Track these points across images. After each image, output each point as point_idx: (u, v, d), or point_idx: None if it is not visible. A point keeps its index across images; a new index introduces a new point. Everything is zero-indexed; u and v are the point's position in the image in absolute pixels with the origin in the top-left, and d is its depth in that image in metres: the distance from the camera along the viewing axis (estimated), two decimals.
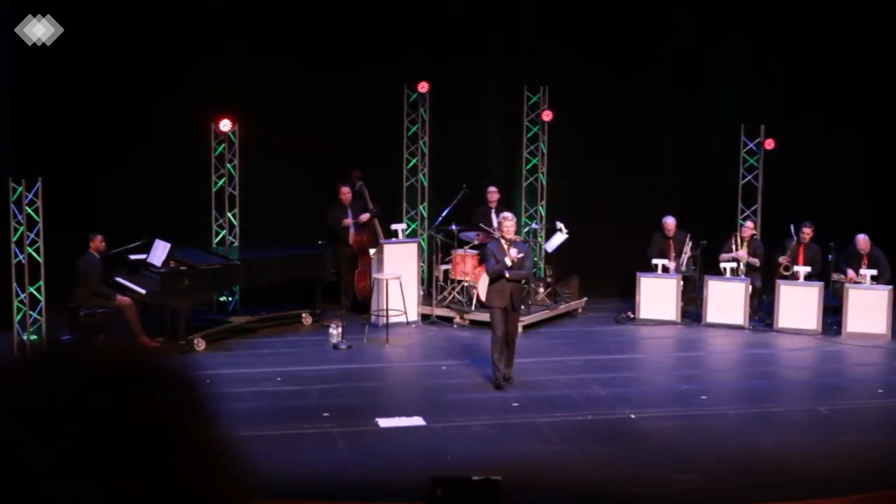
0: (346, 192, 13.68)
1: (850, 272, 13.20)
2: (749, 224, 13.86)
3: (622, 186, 14.88)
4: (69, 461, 0.91)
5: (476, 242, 13.54)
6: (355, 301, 13.81)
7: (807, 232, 13.56)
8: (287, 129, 13.86)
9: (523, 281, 11.26)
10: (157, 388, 0.98)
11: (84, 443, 0.91)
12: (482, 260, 13.57)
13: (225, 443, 0.99)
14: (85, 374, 0.96)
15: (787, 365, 12.38)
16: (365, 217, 13.65)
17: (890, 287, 12.98)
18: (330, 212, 13.69)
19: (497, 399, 10.26)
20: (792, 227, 13.63)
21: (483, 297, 13.24)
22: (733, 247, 13.75)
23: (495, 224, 13.65)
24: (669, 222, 13.97)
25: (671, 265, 13.81)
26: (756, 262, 13.70)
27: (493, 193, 13.96)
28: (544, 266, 14.53)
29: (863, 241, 13.37)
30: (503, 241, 10.53)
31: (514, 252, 10.41)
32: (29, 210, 11.62)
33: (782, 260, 13.53)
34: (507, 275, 10.38)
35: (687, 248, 13.85)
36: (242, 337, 12.71)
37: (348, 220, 13.62)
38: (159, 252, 11.95)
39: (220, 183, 13.69)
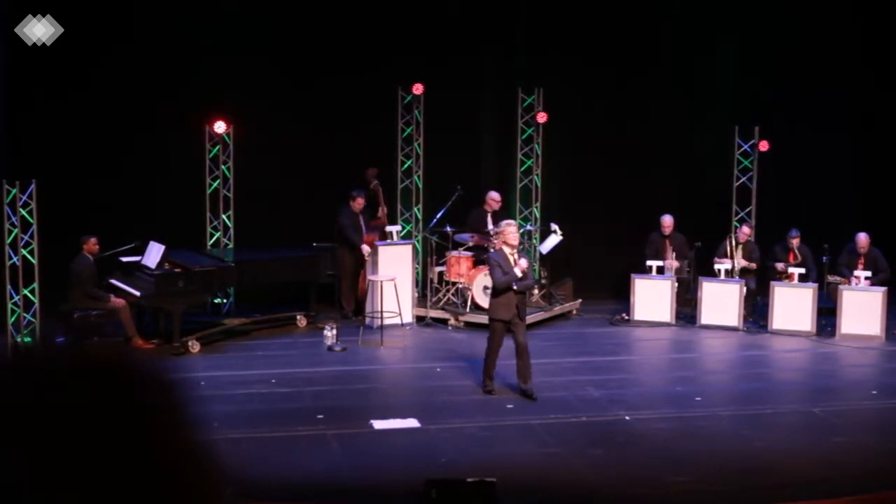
0: (360, 202, 13.56)
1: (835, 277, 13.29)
2: (746, 230, 13.86)
3: (616, 188, 14.90)
4: (44, 461, 0.91)
5: (471, 244, 13.54)
6: (357, 307, 13.72)
7: (793, 243, 13.59)
8: (281, 131, 13.87)
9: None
10: (135, 390, 0.98)
11: (60, 443, 0.92)
12: (477, 262, 13.60)
13: (201, 445, 0.99)
14: (63, 375, 0.96)
15: (782, 366, 12.39)
16: (367, 249, 13.36)
17: (884, 289, 13.00)
18: (340, 217, 13.50)
19: (492, 401, 10.25)
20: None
21: (478, 300, 13.28)
22: (728, 249, 13.77)
23: (490, 227, 13.67)
24: (667, 220, 14.00)
25: (667, 264, 13.81)
26: (753, 265, 13.73)
27: (493, 201, 13.92)
28: (539, 268, 14.53)
29: (863, 239, 13.40)
30: (506, 250, 10.12)
31: (523, 262, 10.04)
32: (23, 212, 11.62)
33: (780, 266, 13.54)
34: (515, 287, 10.00)
35: (685, 265, 13.87)
36: (237, 339, 12.69)
37: (366, 249, 13.28)
38: (153, 254, 11.94)
39: (215, 185, 13.70)
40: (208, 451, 0.99)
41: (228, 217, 13.84)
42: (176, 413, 0.99)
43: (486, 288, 13.22)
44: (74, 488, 0.91)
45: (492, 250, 13.21)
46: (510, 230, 10.19)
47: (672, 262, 13.87)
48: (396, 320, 12.91)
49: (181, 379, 1.01)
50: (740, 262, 13.67)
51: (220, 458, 1.00)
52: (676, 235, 14.03)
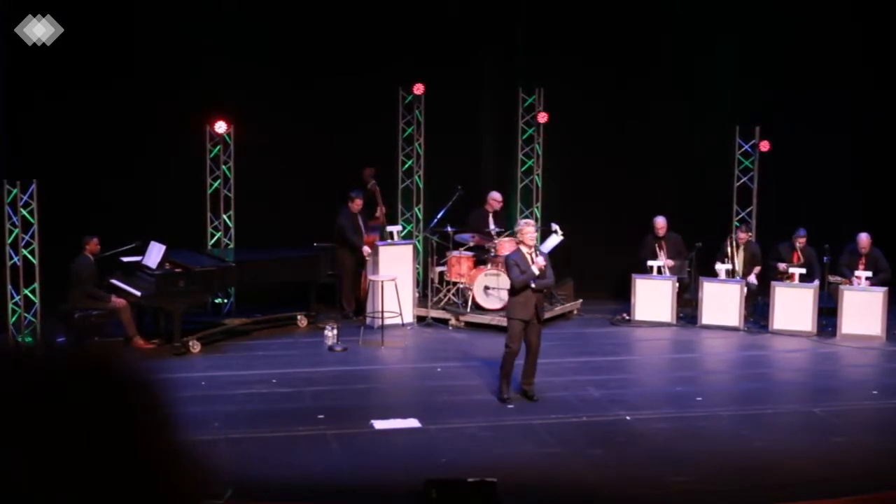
0: (358, 203, 13.58)
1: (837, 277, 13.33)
2: (742, 235, 13.84)
3: (617, 188, 14.90)
4: (30, 461, 0.91)
5: (472, 244, 13.54)
6: (358, 307, 13.71)
7: (801, 241, 13.59)
8: (282, 131, 13.87)
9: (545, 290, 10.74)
10: (117, 391, 0.98)
11: (40, 442, 0.92)
12: (478, 262, 13.60)
13: (182, 446, 0.99)
14: (44, 375, 0.96)
15: (782, 366, 12.39)
16: (367, 250, 13.37)
17: (885, 289, 13.00)
18: (339, 218, 13.49)
19: (492, 401, 10.24)
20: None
21: (479, 300, 13.29)
22: (728, 251, 13.76)
23: (492, 227, 13.68)
24: (660, 222, 13.99)
25: (662, 263, 13.80)
26: (757, 269, 13.72)
27: (495, 201, 13.94)
28: None
29: (864, 239, 13.40)
30: (523, 249, 10.01)
31: (540, 261, 9.94)
32: (24, 212, 11.62)
33: (781, 266, 13.54)
34: (532, 285, 9.91)
35: (685, 265, 13.88)
36: (237, 339, 12.70)
37: (367, 250, 13.31)
38: (154, 254, 11.95)
39: (216, 185, 13.70)
40: (190, 452, 0.99)
41: (229, 217, 13.84)
42: (157, 414, 0.99)
43: (486, 288, 13.23)
44: (62, 488, 0.91)
45: (491, 251, 13.28)
46: (528, 229, 10.10)
47: (667, 262, 13.86)
48: (397, 320, 12.92)
49: (163, 379, 1.01)
50: (751, 280, 13.66)
51: (204, 459, 1.00)
52: (672, 235, 14.02)
